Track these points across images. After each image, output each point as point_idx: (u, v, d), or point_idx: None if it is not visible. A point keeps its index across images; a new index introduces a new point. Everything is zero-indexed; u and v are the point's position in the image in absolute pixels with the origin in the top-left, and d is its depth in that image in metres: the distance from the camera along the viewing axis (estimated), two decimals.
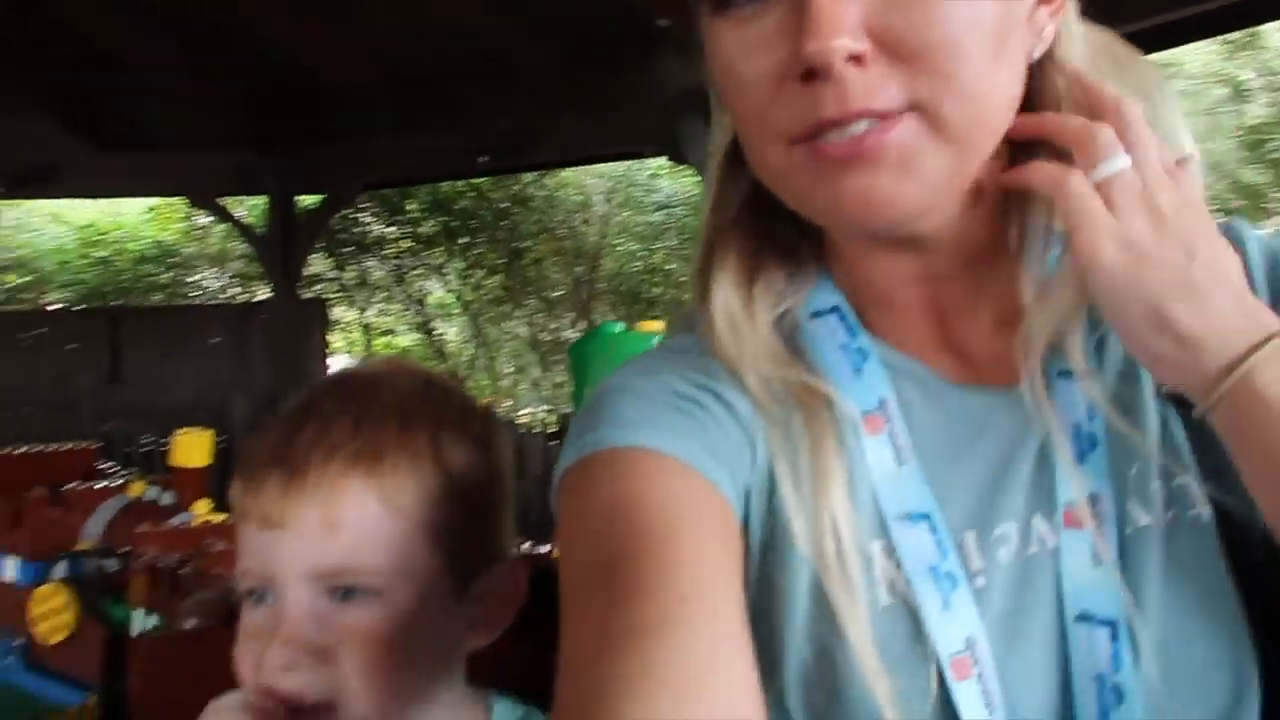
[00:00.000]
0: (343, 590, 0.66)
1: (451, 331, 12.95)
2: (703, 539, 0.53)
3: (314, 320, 9.10)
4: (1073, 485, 0.57)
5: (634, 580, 0.49)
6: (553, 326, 12.08)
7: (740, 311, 0.61)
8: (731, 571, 0.53)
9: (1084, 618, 0.54)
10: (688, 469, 0.56)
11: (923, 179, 0.53)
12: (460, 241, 11.60)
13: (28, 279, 12.83)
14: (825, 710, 0.55)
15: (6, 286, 12.71)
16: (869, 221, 0.54)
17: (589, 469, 0.57)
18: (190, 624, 0.84)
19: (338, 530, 0.66)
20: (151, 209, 12.62)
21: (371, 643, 0.66)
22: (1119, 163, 0.54)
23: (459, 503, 0.71)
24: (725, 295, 0.62)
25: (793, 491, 0.57)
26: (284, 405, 0.72)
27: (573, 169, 10.88)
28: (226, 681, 0.66)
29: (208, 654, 0.78)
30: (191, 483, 3.58)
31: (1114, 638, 0.53)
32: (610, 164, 10.50)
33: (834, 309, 0.62)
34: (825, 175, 0.53)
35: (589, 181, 11.75)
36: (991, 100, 0.54)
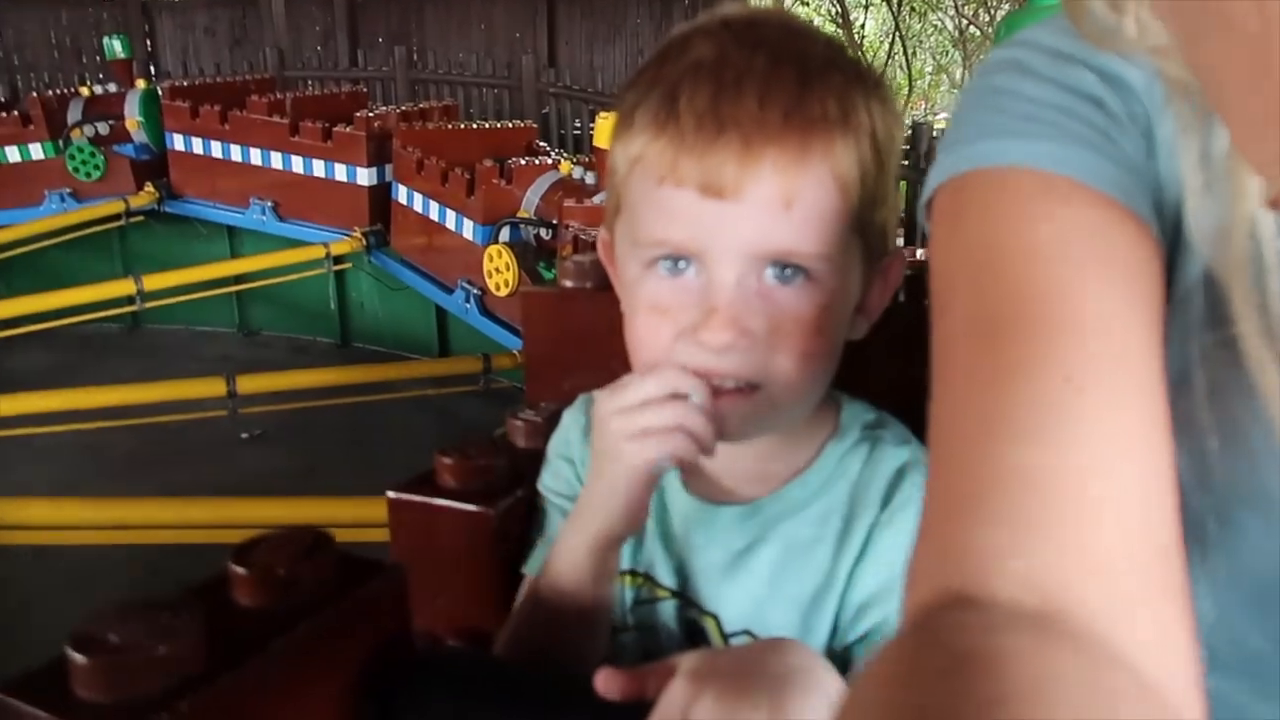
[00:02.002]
0: (782, 271, 0.62)
1: (870, 25, 12.14)
2: (1104, 291, 0.42)
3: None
4: None
5: (1012, 354, 0.40)
6: (985, 19, 10.85)
7: None
8: (1143, 327, 0.42)
9: None
10: (1081, 188, 0.44)
11: None
12: None
13: None
14: (1214, 469, 0.46)
15: None
16: None
17: (961, 192, 0.48)
18: (569, 284, 0.91)
19: (794, 208, 0.60)
20: None
21: (805, 327, 0.62)
22: None
23: (882, 181, 0.64)
24: None
25: (1199, 182, 0.44)
26: (679, 50, 0.63)
27: None
28: (601, 339, 0.69)
29: (586, 312, 0.85)
30: None
31: None
32: None
33: None
34: None
35: None
36: None
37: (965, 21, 11.19)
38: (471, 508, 0.73)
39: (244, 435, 3.92)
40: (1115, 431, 0.39)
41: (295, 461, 3.71)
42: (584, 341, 0.85)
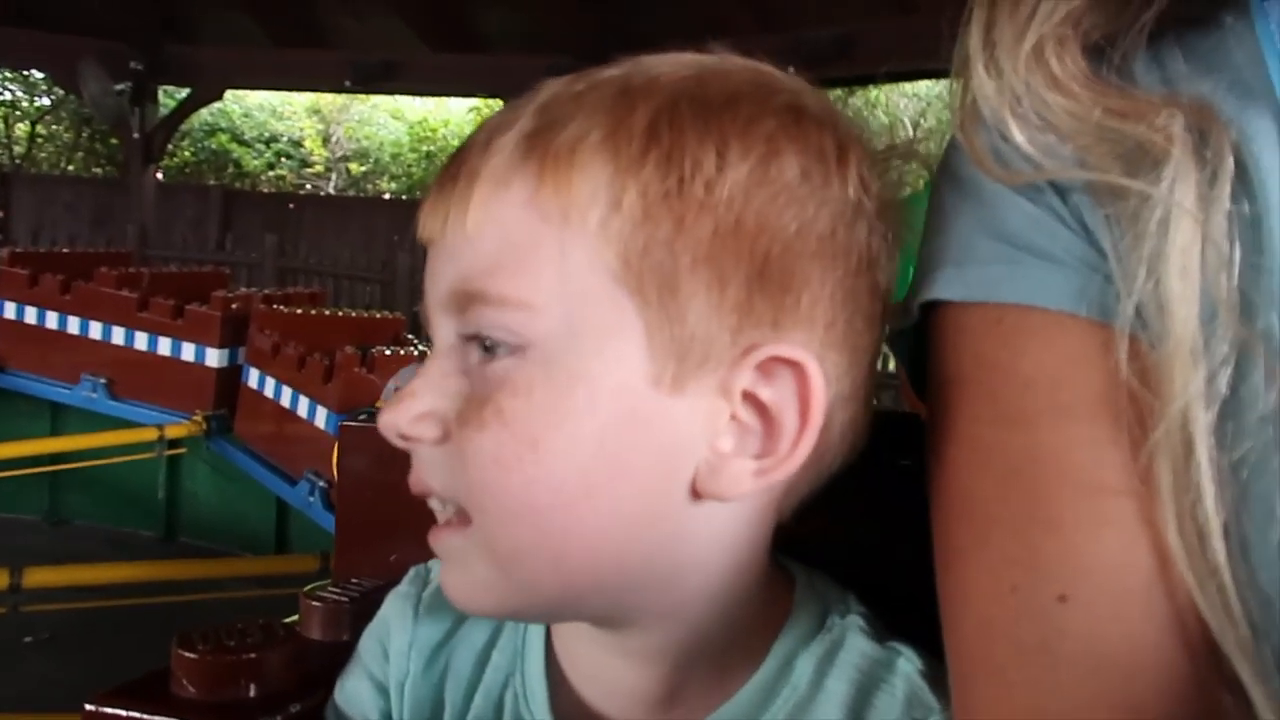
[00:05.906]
0: (481, 345, 0.44)
1: None
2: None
3: None
4: None
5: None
6: None
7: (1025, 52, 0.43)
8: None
9: None
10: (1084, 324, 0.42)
11: None
12: None
13: (367, 168, 14.28)
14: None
15: (350, 174, 14.24)
16: None
17: (968, 328, 0.44)
18: None
19: (480, 236, 0.44)
20: (472, 109, 13.47)
21: (505, 418, 0.43)
22: None
23: (716, 240, 0.43)
24: (978, 35, 0.45)
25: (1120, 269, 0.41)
26: None
27: (887, 85, 10.19)
28: None
29: None
30: None
31: None
32: (929, 80, 9.70)
33: None
34: None
35: (900, 101, 11.02)
36: None
37: None
38: None
39: (28, 639, 3.38)
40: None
41: (86, 670, 3.19)
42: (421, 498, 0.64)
